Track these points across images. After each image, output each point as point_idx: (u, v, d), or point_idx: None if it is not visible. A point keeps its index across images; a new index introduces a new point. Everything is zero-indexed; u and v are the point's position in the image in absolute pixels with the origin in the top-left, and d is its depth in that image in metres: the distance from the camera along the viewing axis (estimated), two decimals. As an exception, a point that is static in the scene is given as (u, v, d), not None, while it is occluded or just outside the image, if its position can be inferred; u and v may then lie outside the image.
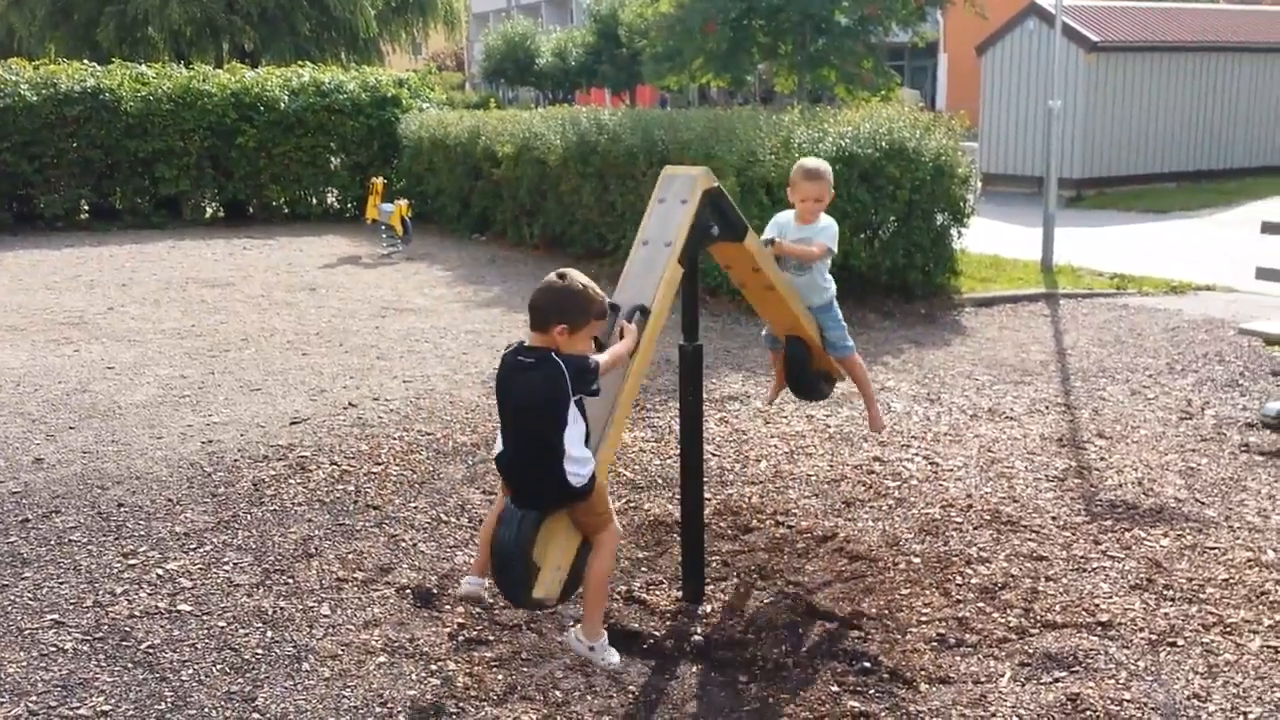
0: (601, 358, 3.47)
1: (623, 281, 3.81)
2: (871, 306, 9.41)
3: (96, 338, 8.82)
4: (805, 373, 4.81)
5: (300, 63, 19.06)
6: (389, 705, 3.53)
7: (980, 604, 4.14)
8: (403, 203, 13.51)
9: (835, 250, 4.50)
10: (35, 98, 15.29)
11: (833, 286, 4.64)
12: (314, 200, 17.36)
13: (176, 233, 15.50)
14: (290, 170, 16.71)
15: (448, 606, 4.20)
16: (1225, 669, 3.64)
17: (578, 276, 3.46)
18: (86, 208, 16.54)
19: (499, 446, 3.52)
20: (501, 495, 3.60)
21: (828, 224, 4.51)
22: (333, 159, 17.07)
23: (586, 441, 3.43)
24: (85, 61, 17.00)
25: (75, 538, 4.82)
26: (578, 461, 3.38)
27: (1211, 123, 20.15)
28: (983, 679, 3.62)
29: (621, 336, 3.61)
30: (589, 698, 3.58)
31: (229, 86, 16.39)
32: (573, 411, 3.37)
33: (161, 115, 15.80)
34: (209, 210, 17.25)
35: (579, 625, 3.61)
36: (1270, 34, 20.75)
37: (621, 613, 4.11)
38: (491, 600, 4.10)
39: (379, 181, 14.28)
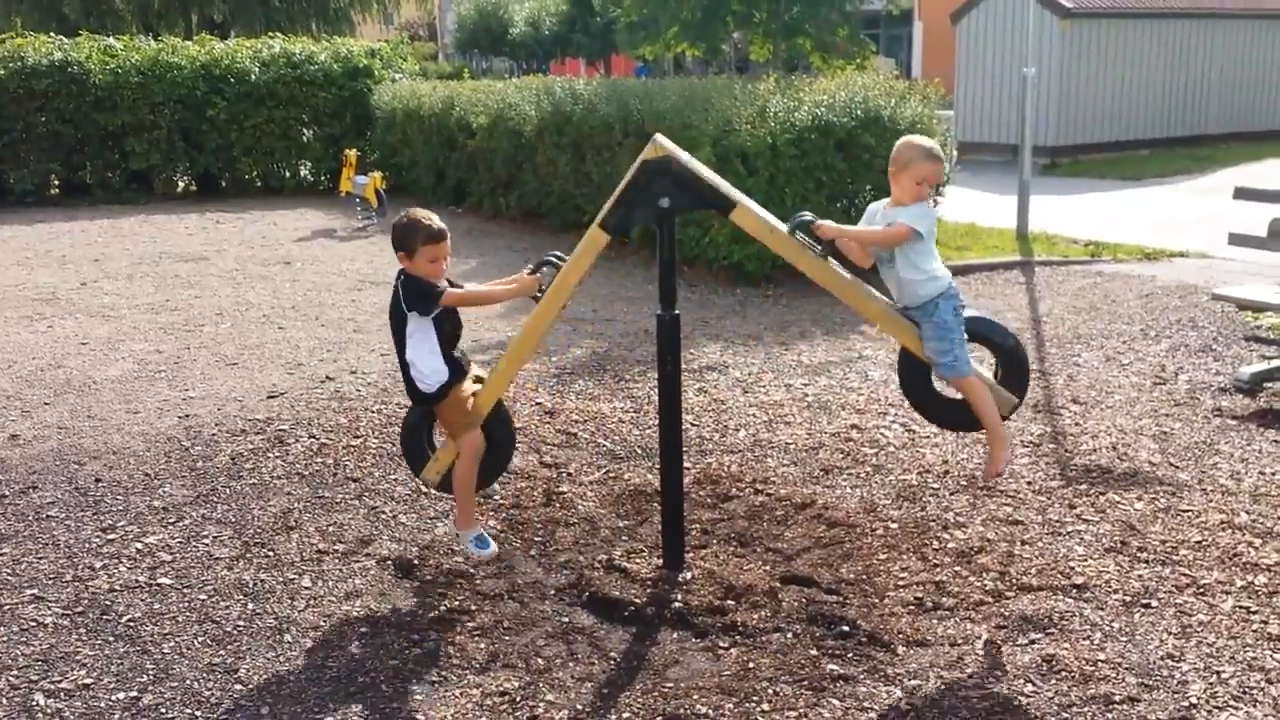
0: (457, 288, 4.11)
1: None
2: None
3: (70, 313, 8.75)
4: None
5: (270, 34, 18.87)
6: (372, 675, 3.54)
7: (957, 568, 4.18)
8: (377, 175, 13.44)
9: (922, 233, 3.91)
10: (2, 72, 15.12)
11: (938, 283, 3.95)
12: (287, 173, 17.24)
13: (148, 207, 15.37)
14: (262, 143, 16.58)
15: (429, 577, 4.21)
16: (1198, 629, 3.69)
17: (416, 212, 4.05)
18: (57, 182, 16.38)
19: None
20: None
21: (916, 206, 3.98)
22: (305, 131, 16.95)
23: (447, 355, 4.06)
24: (52, 35, 16.77)
25: (53, 513, 4.81)
26: (423, 371, 4.05)
27: (1186, 89, 20.24)
28: (960, 641, 3.67)
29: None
30: (570, 665, 3.61)
31: (198, 59, 16.23)
32: (413, 324, 4.02)
33: (131, 88, 15.63)
34: (180, 184, 17.10)
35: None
36: (1243, 1, 20.82)
37: (602, 580, 4.13)
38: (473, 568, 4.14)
39: (352, 154, 14.19)
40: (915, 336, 4.00)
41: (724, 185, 4.06)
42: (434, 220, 4.00)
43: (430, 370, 4.05)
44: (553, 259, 4.16)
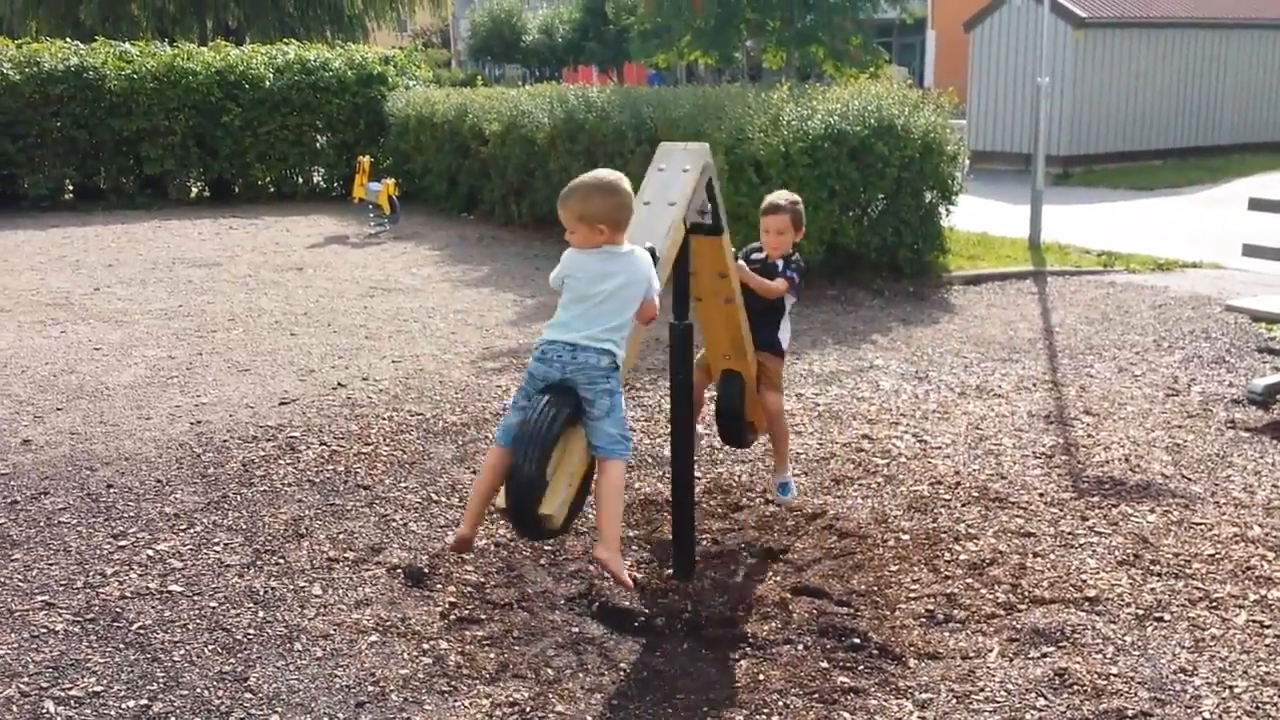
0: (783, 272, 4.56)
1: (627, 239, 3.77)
2: (860, 284, 9.42)
3: (83, 318, 8.78)
4: (737, 417, 4.65)
5: (285, 40, 18.93)
6: (381, 684, 3.54)
7: (968, 580, 4.16)
8: (390, 181, 13.46)
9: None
10: (18, 76, 15.19)
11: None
12: (300, 179, 17.27)
13: (162, 212, 15.43)
14: (276, 149, 16.62)
15: (439, 586, 4.21)
16: (1211, 643, 3.67)
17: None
18: (71, 187, 16.44)
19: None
20: None
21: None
22: (319, 137, 16.97)
23: None
24: (68, 40, 16.87)
25: (65, 519, 4.82)
26: None
27: (1199, 99, 20.18)
28: (971, 654, 3.65)
29: None
30: (580, 675, 3.60)
31: (214, 64, 16.28)
32: None
33: (146, 94, 15.69)
34: (194, 190, 17.16)
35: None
36: (1258, 11, 20.76)
37: (613, 590, 4.13)
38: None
39: (366, 160, 14.21)
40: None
41: (646, 198, 3.92)
42: (775, 198, 4.50)
43: None
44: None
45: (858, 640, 3.75)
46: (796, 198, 4.59)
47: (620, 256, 3.53)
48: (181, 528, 4.73)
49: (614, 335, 3.47)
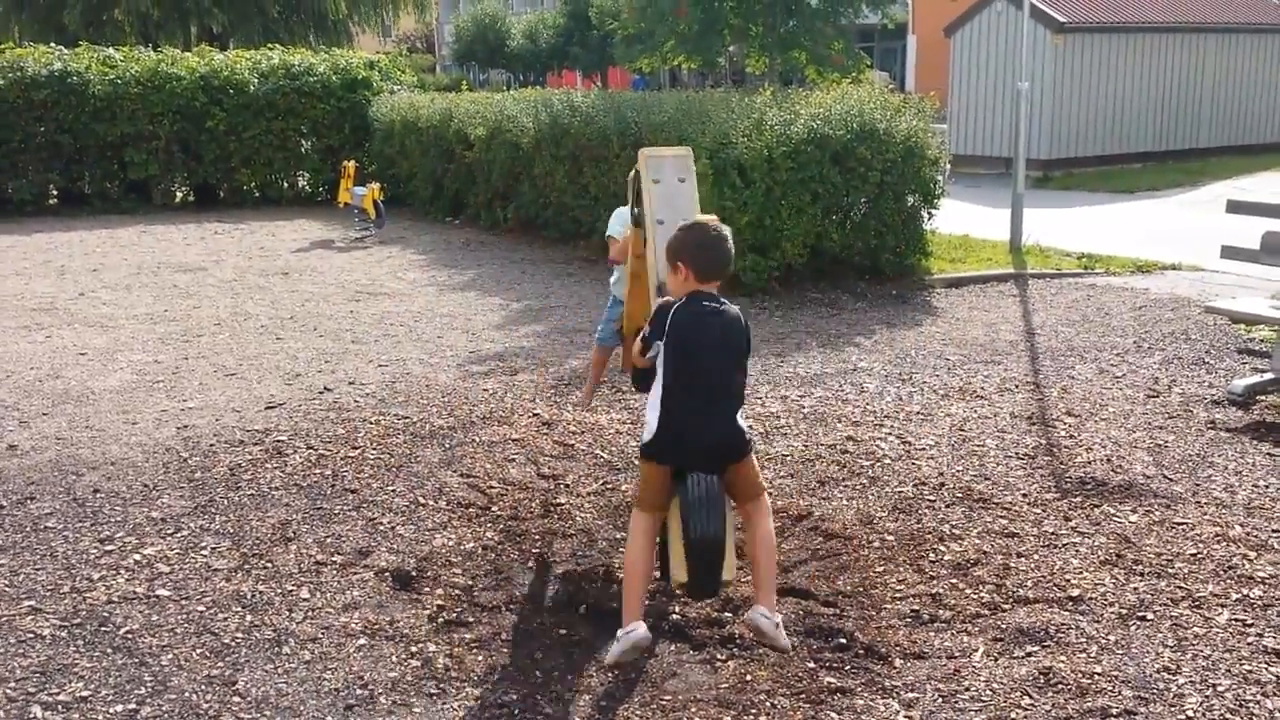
0: None
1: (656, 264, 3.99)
2: (843, 287, 9.46)
3: (68, 323, 8.76)
4: None
5: (269, 45, 18.90)
6: (370, 688, 3.55)
7: (953, 580, 4.20)
8: (375, 186, 13.45)
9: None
10: (1, 82, 15.11)
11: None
12: (285, 184, 17.24)
13: (147, 217, 15.38)
14: (260, 154, 16.59)
15: (427, 589, 4.22)
16: (1194, 642, 3.71)
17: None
18: (55, 192, 16.38)
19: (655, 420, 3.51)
20: (652, 511, 3.59)
21: None
22: (303, 142, 16.95)
23: None
24: (52, 45, 16.81)
25: (51, 524, 4.81)
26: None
27: (1177, 103, 20.31)
28: (956, 654, 3.68)
29: None
30: (569, 677, 3.62)
31: (198, 69, 16.24)
32: None
33: (130, 99, 15.65)
34: (179, 195, 17.11)
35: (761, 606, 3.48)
36: (1234, 14, 20.92)
37: (600, 592, 4.15)
38: (470, 583, 4.13)
39: (351, 165, 14.20)
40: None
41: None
42: None
43: None
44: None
45: (844, 640, 3.78)
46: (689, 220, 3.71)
47: None
48: (168, 532, 4.72)
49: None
